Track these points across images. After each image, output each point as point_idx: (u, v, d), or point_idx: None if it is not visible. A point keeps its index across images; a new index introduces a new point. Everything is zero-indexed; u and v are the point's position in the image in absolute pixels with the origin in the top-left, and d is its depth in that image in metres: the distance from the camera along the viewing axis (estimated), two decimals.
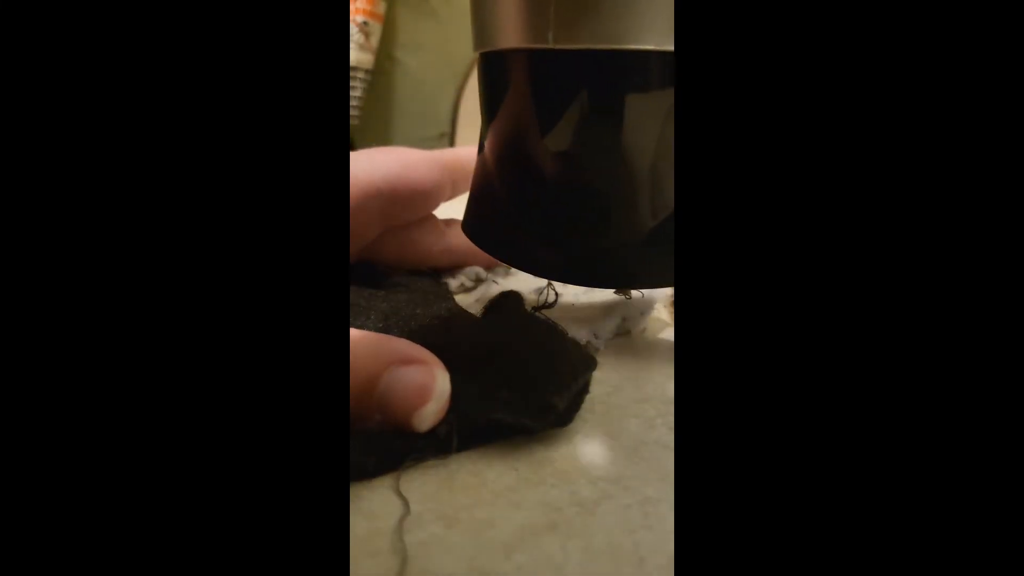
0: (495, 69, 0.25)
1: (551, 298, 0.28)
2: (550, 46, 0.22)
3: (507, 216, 0.26)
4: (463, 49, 0.85)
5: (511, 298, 0.27)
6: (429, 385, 0.19)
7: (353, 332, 0.20)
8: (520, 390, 0.20)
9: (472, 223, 0.28)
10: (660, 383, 0.24)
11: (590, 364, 0.22)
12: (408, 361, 0.20)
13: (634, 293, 0.30)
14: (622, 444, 0.20)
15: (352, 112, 0.82)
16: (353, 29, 0.77)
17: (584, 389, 0.21)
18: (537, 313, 0.26)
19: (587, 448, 0.20)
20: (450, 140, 0.85)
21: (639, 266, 0.24)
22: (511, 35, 0.23)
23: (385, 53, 0.86)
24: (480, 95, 0.27)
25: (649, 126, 0.23)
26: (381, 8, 0.81)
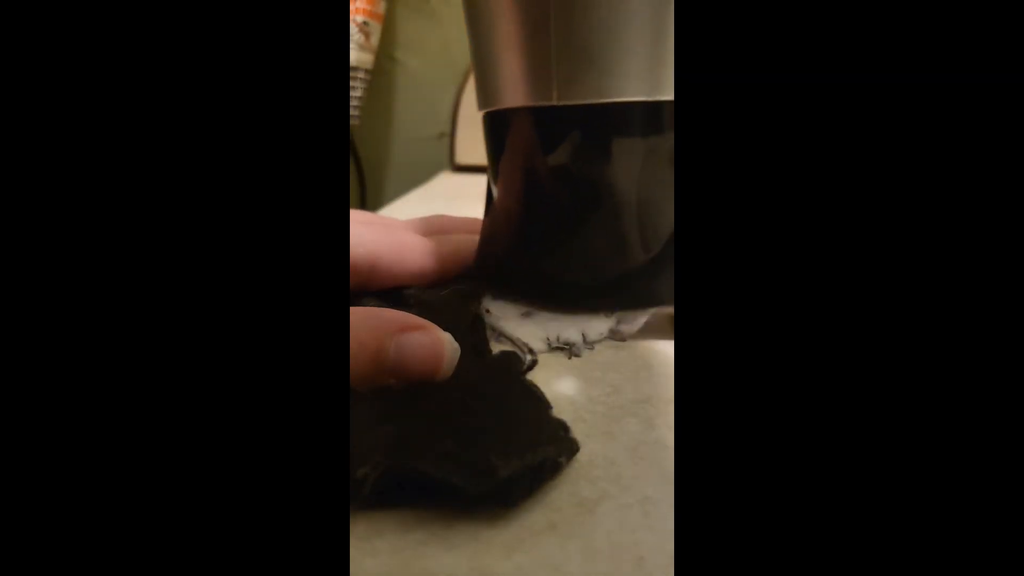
0: (502, 125, 0.28)
1: (532, 358, 0.26)
2: (554, 103, 0.25)
3: (512, 252, 0.29)
4: (463, 49, 0.85)
5: (507, 359, 0.25)
6: (438, 345, 0.21)
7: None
8: (461, 444, 0.17)
9: (481, 265, 0.31)
10: (660, 383, 0.24)
11: (563, 445, 0.18)
12: (408, 328, 0.21)
13: None
14: (622, 444, 0.20)
15: (352, 112, 0.82)
16: (353, 29, 0.77)
17: (543, 468, 0.17)
18: (526, 379, 0.23)
19: (587, 446, 0.20)
20: (450, 140, 0.85)
21: (628, 291, 0.28)
22: (517, 95, 0.26)
23: (385, 53, 0.86)
24: (488, 149, 0.30)
25: (632, 163, 0.26)
26: (381, 8, 0.81)
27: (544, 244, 0.28)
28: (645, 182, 0.27)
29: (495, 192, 0.30)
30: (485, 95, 0.28)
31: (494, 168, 0.30)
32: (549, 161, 0.27)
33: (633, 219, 0.27)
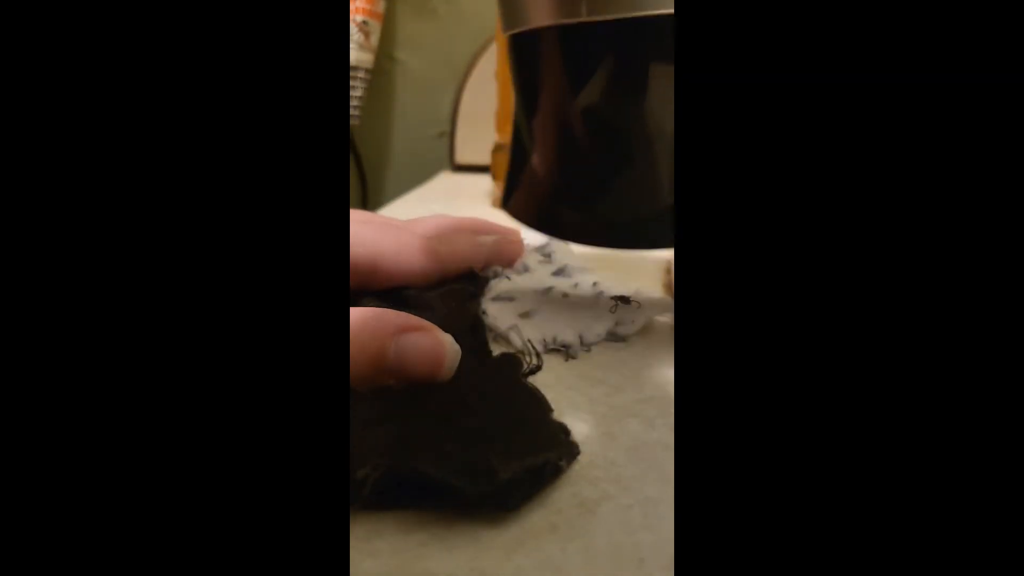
0: (528, 47, 0.26)
1: (536, 362, 0.25)
2: (584, 19, 0.23)
3: (541, 185, 0.27)
4: (463, 49, 0.85)
5: (507, 360, 0.24)
6: (438, 347, 0.21)
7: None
8: (462, 445, 0.17)
9: (509, 198, 0.29)
10: (660, 383, 0.24)
11: (563, 448, 0.18)
12: (409, 329, 0.21)
13: (629, 300, 0.30)
14: (622, 444, 0.20)
15: (352, 112, 0.82)
16: (353, 29, 0.77)
17: (543, 471, 0.17)
18: (529, 381, 0.22)
19: (587, 447, 0.19)
20: (450, 140, 0.85)
21: (658, 232, 0.26)
22: (543, 13, 0.24)
23: (385, 53, 0.86)
24: (513, 74, 0.28)
25: (671, 91, 0.23)
26: (381, 7, 0.81)
27: (583, 185, 0.26)
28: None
29: (524, 129, 0.28)
30: (508, 14, 0.26)
31: (522, 100, 0.28)
32: (580, 98, 0.25)
33: (669, 152, 0.25)
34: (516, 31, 0.26)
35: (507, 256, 0.34)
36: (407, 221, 0.35)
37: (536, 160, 0.27)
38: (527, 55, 0.26)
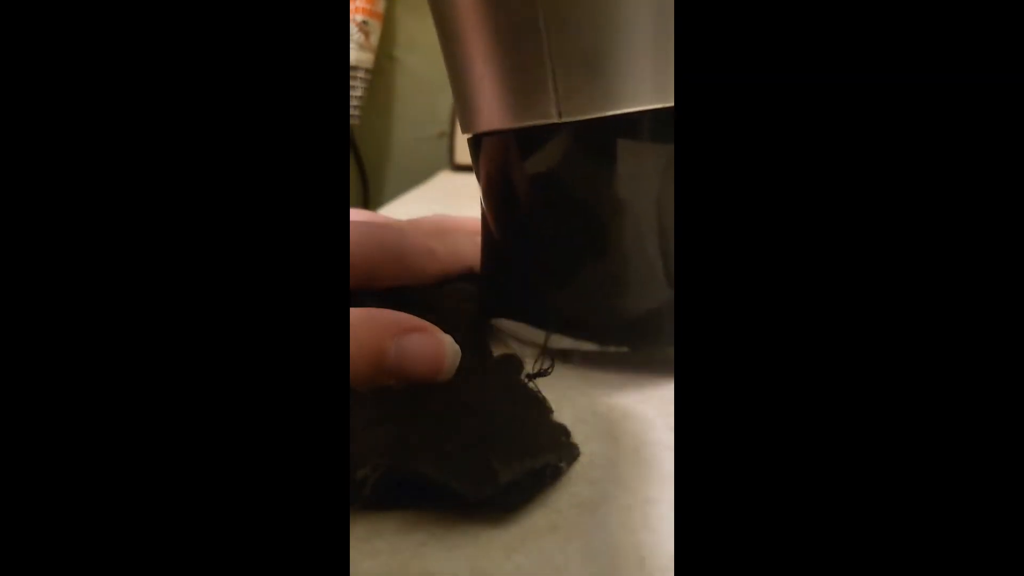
0: (492, 149, 0.24)
1: (546, 365, 0.24)
2: (556, 120, 0.21)
3: (517, 277, 0.26)
4: None
5: (508, 361, 0.24)
6: (439, 347, 0.21)
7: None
8: (462, 447, 0.17)
9: (484, 302, 0.28)
10: (660, 383, 0.24)
11: (564, 450, 0.18)
12: (409, 329, 0.21)
13: None
14: (623, 444, 0.20)
15: (352, 112, 0.82)
16: (353, 28, 0.77)
17: (543, 473, 0.17)
18: (530, 383, 0.22)
19: (588, 448, 0.19)
20: (450, 140, 0.85)
21: (647, 328, 0.24)
22: (507, 114, 0.22)
23: (385, 53, 0.86)
24: (479, 178, 0.26)
25: (651, 183, 0.22)
26: (381, 7, 0.81)
27: (559, 283, 0.25)
28: (666, 203, 0.22)
29: (492, 225, 0.26)
30: (467, 115, 0.24)
31: (490, 200, 0.26)
32: (553, 193, 0.23)
33: (655, 246, 0.23)
34: (477, 132, 0.24)
35: None
36: (407, 221, 0.35)
37: (504, 251, 0.26)
38: (491, 157, 0.24)
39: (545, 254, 0.24)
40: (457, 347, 0.21)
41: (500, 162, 0.24)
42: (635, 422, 0.21)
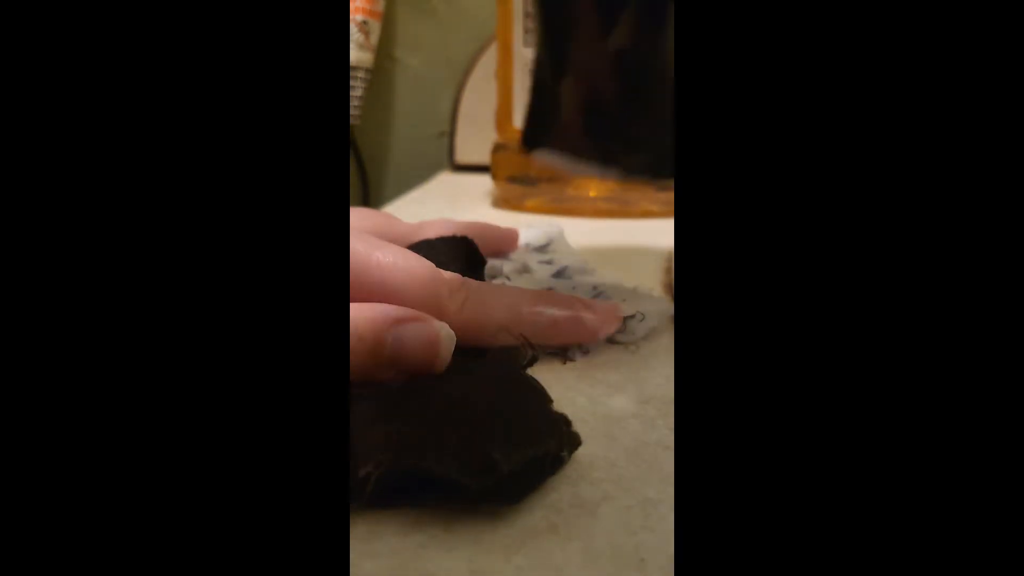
0: None
1: (527, 356, 0.24)
2: None
3: (568, 122, 0.27)
4: (463, 49, 0.85)
5: (507, 353, 0.24)
6: (434, 338, 0.21)
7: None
8: (462, 439, 0.17)
9: (530, 134, 0.29)
10: (660, 383, 0.24)
11: (564, 439, 0.18)
12: (405, 319, 0.21)
13: (633, 313, 0.29)
14: (623, 444, 0.20)
15: (352, 112, 0.82)
16: (353, 28, 0.77)
17: (544, 462, 0.17)
18: (526, 373, 0.22)
19: (588, 448, 0.19)
20: (450, 139, 0.85)
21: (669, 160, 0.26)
22: None
23: (385, 53, 0.86)
24: (536, 9, 0.28)
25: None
26: (381, 7, 0.81)
27: (613, 114, 0.26)
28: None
29: (548, 66, 0.28)
30: None
31: (543, 32, 0.28)
32: (610, 40, 0.25)
33: (672, 92, 0.25)
34: None
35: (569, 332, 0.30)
36: (414, 225, 0.35)
37: (564, 92, 0.27)
38: None
39: (596, 92, 0.26)
40: (452, 334, 0.22)
41: None
42: (635, 422, 0.21)
